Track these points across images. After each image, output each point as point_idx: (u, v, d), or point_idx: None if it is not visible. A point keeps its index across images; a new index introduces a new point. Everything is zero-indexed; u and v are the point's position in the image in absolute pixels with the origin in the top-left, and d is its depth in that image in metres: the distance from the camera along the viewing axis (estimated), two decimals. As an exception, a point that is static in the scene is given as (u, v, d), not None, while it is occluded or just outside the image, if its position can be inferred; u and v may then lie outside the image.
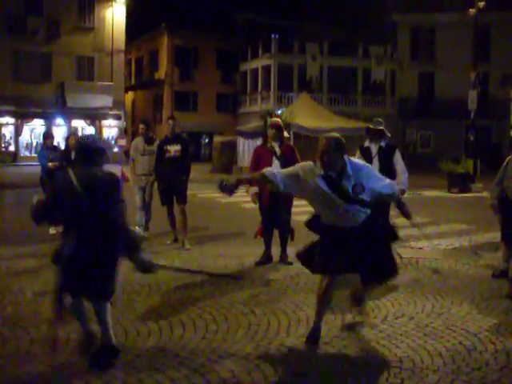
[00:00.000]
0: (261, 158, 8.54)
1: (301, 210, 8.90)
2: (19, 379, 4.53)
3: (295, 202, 8.74)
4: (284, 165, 8.37)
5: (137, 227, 10.61)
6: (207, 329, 5.66)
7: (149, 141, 10.81)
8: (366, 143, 8.86)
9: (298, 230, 9.60)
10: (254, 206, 9.00)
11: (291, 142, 13.39)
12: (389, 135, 8.85)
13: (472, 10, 25.02)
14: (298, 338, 5.48)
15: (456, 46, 37.63)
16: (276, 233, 8.84)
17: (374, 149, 8.68)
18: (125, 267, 6.42)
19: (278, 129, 8.59)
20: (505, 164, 8.08)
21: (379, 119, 9.03)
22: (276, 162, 8.39)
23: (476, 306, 6.57)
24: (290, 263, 8.54)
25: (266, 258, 8.70)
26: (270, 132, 8.58)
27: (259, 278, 7.81)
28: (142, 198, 10.62)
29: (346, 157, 5.16)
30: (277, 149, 8.48)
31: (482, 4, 24.36)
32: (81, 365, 4.79)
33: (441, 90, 40.00)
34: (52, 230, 11.14)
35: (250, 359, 4.94)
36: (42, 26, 38.36)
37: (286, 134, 8.88)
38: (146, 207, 10.74)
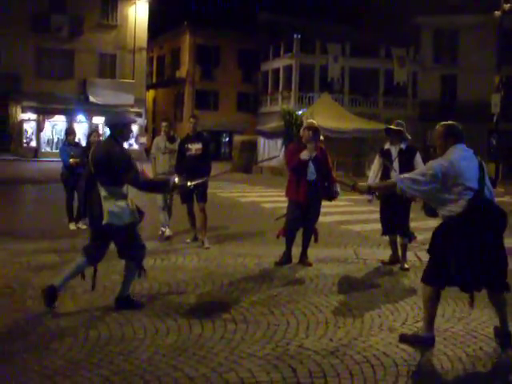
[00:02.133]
0: (291, 162, 8.53)
1: (324, 210, 8.88)
2: (40, 373, 4.56)
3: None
4: (317, 167, 8.39)
5: (162, 228, 10.62)
6: (226, 328, 5.65)
7: (170, 139, 10.84)
8: (387, 145, 8.82)
9: (321, 231, 9.61)
10: (274, 206, 8.95)
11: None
12: (409, 137, 8.80)
13: (497, 13, 24.84)
14: (316, 339, 5.46)
15: (479, 49, 37.39)
16: (298, 234, 8.82)
17: (395, 151, 8.63)
18: (146, 267, 6.45)
19: (315, 131, 8.59)
20: None
21: (400, 121, 8.98)
22: (310, 164, 8.40)
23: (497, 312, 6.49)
24: (310, 264, 8.53)
25: (286, 259, 8.68)
26: (306, 133, 8.56)
27: (278, 279, 7.80)
28: (163, 197, 10.61)
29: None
30: (307, 157, 8.43)
31: (507, 6, 24.15)
32: (96, 360, 4.81)
33: (463, 92, 39.72)
34: (72, 226, 11.24)
35: (268, 359, 4.93)
36: (66, 23, 38.69)
37: (321, 137, 8.83)
38: (167, 206, 10.76)
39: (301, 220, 8.66)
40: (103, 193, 5.94)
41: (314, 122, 9.16)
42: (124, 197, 6.02)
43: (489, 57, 32.78)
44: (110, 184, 5.94)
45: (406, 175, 5.54)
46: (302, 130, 8.87)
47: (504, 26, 25.56)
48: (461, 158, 5.27)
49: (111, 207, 5.90)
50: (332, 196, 8.75)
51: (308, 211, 8.58)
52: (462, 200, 5.16)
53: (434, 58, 41.44)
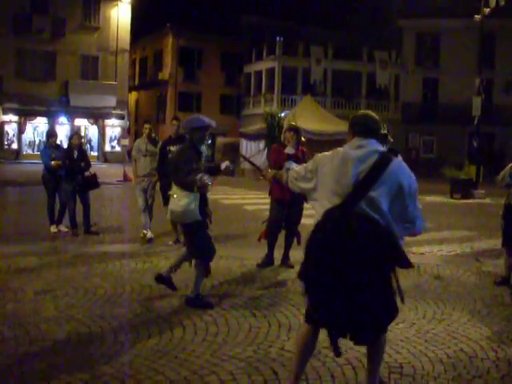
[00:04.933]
0: (278, 158, 8.57)
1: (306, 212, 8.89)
2: (19, 378, 4.52)
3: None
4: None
5: (143, 230, 10.56)
6: (208, 331, 5.64)
7: (152, 141, 10.81)
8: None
9: (304, 233, 9.61)
10: (256, 208, 8.94)
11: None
12: (391, 140, 8.84)
13: (477, 17, 25.01)
14: (298, 341, 5.46)
15: (460, 52, 37.71)
16: (280, 236, 8.83)
17: (377, 153, 8.66)
18: (127, 269, 6.42)
19: (296, 132, 8.70)
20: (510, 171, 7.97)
21: (382, 123, 9.01)
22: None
23: (477, 313, 6.56)
24: (292, 266, 8.53)
25: (268, 261, 8.69)
26: (289, 135, 8.64)
27: (261, 281, 7.80)
28: (144, 199, 10.59)
29: None
30: (292, 151, 8.51)
31: (487, 10, 24.35)
32: (76, 363, 4.78)
33: (445, 95, 40.02)
34: (53, 229, 11.16)
35: (250, 362, 4.92)
36: (47, 25, 38.46)
37: (303, 138, 8.94)
38: (148, 208, 10.72)
39: (283, 221, 8.69)
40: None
41: (294, 123, 9.25)
42: (189, 196, 6.40)
43: (470, 60, 33.08)
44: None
45: (295, 166, 4.60)
46: (283, 132, 8.97)
47: (484, 30, 25.77)
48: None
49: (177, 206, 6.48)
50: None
51: (291, 212, 8.60)
52: (321, 207, 4.00)
53: (415, 60, 41.69)
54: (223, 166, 7.06)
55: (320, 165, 4.13)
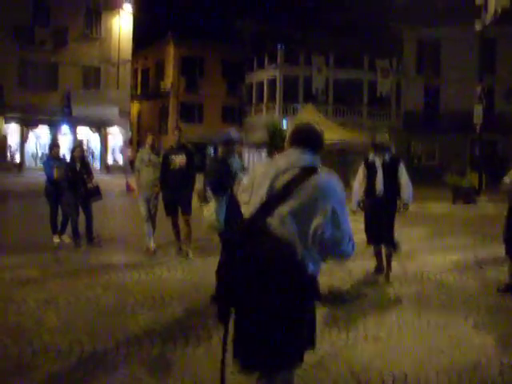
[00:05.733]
0: None
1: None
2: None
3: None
4: None
5: (147, 241, 10.50)
6: (211, 341, 5.62)
7: (155, 152, 10.82)
8: (371, 156, 8.84)
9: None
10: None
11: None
12: (393, 148, 8.85)
13: (478, 24, 25.06)
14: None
15: (461, 60, 37.73)
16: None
17: (379, 162, 8.66)
18: (130, 280, 6.41)
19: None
20: None
21: (384, 132, 9.04)
22: None
23: (481, 321, 6.53)
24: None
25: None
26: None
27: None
28: (147, 209, 10.55)
29: None
30: None
31: (488, 18, 24.40)
32: (79, 375, 4.77)
33: (446, 103, 40.04)
34: (56, 239, 11.16)
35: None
36: (49, 36, 38.57)
37: None
38: (152, 218, 10.70)
39: None
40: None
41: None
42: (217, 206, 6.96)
43: (471, 67, 33.07)
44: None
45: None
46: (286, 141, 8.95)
47: (485, 37, 25.82)
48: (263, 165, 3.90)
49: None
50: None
51: None
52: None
53: (416, 68, 41.77)
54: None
55: (253, 175, 3.77)
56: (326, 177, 3.57)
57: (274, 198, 3.47)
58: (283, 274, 3.29)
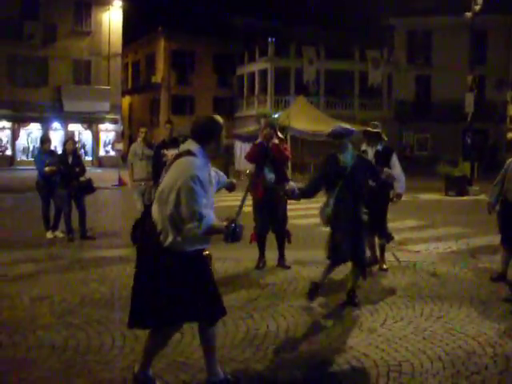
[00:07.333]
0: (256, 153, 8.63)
1: (298, 214, 8.90)
2: (17, 385, 4.51)
3: (293, 206, 8.70)
4: (273, 162, 8.42)
5: None
6: (205, 333, 5.62)
7: (148, 145, 10.79)
8: (363, 147, 8.86)
9: (296, 232, 9.63)
10: (251, 210, 8.89)
11: (288, 145, 13.35)
12: (385, 139, 8.86)
13: (468, 14, 25.03)
14: (296, 342, 5.46)
15: (452, 49, 37.75)
16: (273, 236, 8.82)
17: (371, 152, 8.67)
18: (124, 274, 6.38)
19: (271, 127, 8.72)
20: (506, 166, 8.05)
21: (376, 122, 9.05)
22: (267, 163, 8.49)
23: (475, 310, 6.57)
24: (288, 267, 8.53)
25: (263, 265, 8.69)
26: (266, 131, 8.60)
27: (258, 283, 7.79)
28: (142, 202, 10.54)
29: None
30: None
31: (478, 7, 24.38)
32: (74, 369, 4.77)
33: (437, 92, 40.11)
34: (49, 235, 11.14)
35: (248, 364, 4.92)
36: (39, 30, 38.32)
37: (280, 134, 8.92)
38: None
39: (268, 222, 8.65)
40: None
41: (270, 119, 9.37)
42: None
43: (462, 57, 33.05)
44: None
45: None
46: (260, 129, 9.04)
47: (475, 27, 25.79)
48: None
49: None
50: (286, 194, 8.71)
51: (276, 214, 8.57)
52: None
53: (407, 58, 41.80)
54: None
55: None
56: (185, 158, 4.09)
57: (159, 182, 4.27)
58: (146, 245, 4.20)
